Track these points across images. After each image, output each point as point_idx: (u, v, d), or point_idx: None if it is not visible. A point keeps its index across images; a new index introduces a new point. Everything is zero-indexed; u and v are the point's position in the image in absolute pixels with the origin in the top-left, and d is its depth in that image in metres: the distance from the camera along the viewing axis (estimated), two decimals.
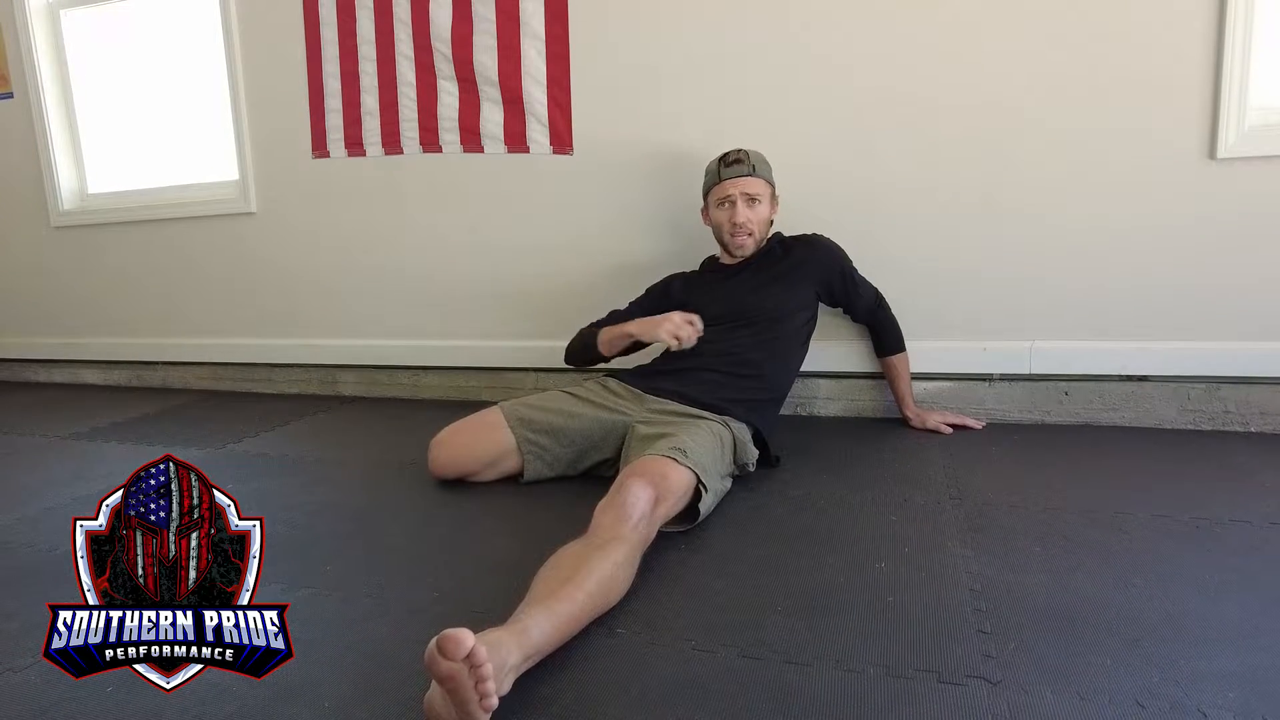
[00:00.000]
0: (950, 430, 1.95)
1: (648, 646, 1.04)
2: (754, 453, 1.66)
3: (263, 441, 2.15)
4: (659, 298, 1.93)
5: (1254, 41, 1.75)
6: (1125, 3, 1.82)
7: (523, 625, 0.92)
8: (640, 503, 1.20)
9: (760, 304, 1.80)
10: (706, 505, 1.40)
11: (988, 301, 2.03)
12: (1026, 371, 2.02)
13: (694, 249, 2.09)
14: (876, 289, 1.96)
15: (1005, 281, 2.01)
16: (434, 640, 0.80)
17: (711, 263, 1.99)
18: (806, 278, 1.85)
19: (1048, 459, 1.76)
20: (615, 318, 1.88)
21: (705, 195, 1.89)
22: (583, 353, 1.87)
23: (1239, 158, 1.79)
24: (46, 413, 2.62)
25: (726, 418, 1.63)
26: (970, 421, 1.98)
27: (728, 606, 1.15)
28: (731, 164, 1.80)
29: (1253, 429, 1.88)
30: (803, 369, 1.91)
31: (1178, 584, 1.17)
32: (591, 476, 1.71)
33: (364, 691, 0.96)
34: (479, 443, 1.67)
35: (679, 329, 1.66)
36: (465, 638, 0.78)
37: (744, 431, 1.65)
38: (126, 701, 0.95)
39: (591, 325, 1.90)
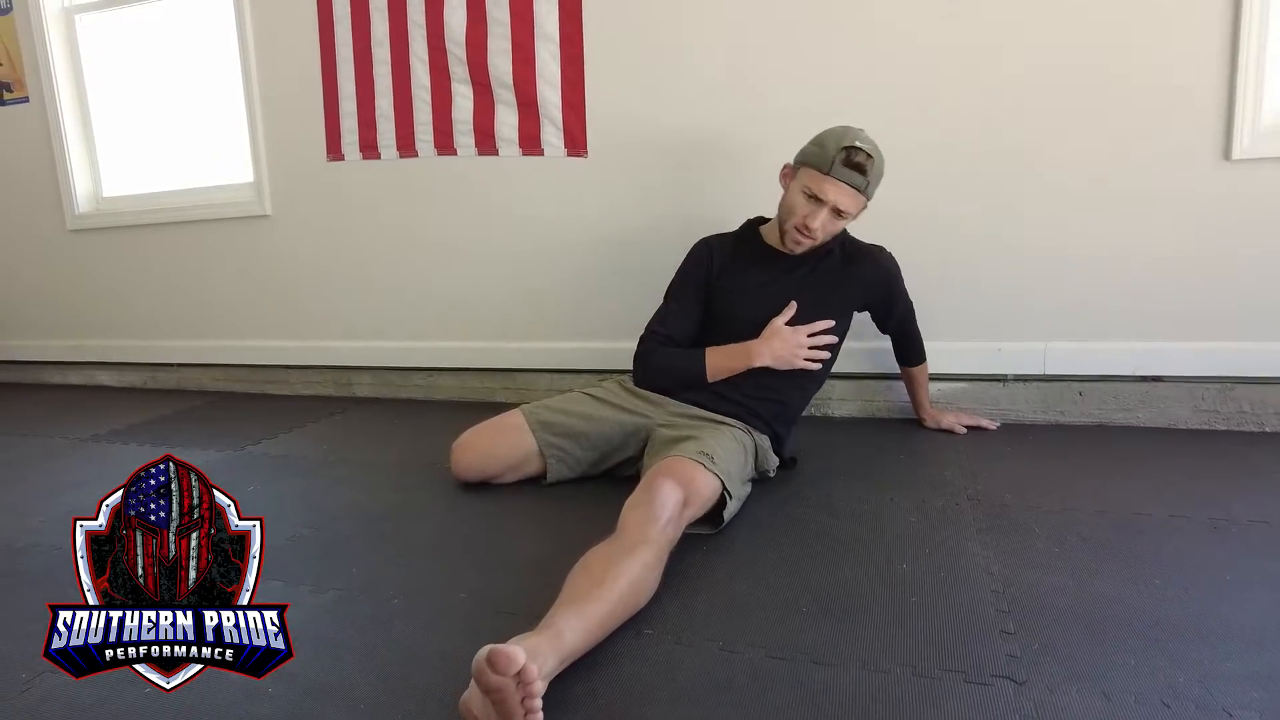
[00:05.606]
0: (965, 430, 1.96)
1: (676, 647, 1.06)
2: (774, 460, 1.66)
3: (282, 443, 2.17)
4: (703, 282, 1.70)
5: (1269, 43, 1.75)
6: (1140, 5, 1.83)
7: (557, 629, 0.94)
8: (670, 505, 1.21)
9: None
10: (730, 511, 1.41)
11: (1003, 302, 2.04)
12: (1041, 372, 2.03)
13: None
14: (911, 303, 1.86)
15: (1020, 282, 2.02)
16: (484, 652, 0.81)
17: (757, 239, 1.73)
18: (859, 298, 1.73)
19: (1063, 459, 1.77)
20: (675, 327, 1.69)
21: (800, 166, 1.58)
22: (679, 384, 1.66)
23: (1254, 159, 1.79)
24: (65, 415, 2.64)
25: (749, 426, 1.62)
26: (985, 422, 1.99)
27: (752, 607, 1.16)
28: (852, 167, 1.50)
29: (1268, 429, 1.89)
30: None
31: (1198, 584, 1.18)
32: (613, 476, 1.72)
33: (397, 691, 0.98)
34: (501, 446, 1.67)
35: (811, 352, 1.61)
36: (518, 655, 0.80)
37: (765, 440, 1.65)
38: (153, 699, 0.96)
39: (657, 343, 1.69)
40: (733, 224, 1.85)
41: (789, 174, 1.63)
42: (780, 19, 2.07)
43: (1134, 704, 0.91)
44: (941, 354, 2.05)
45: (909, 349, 1.94)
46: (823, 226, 1.56)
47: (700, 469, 1.35)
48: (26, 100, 2.93)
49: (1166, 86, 1.84)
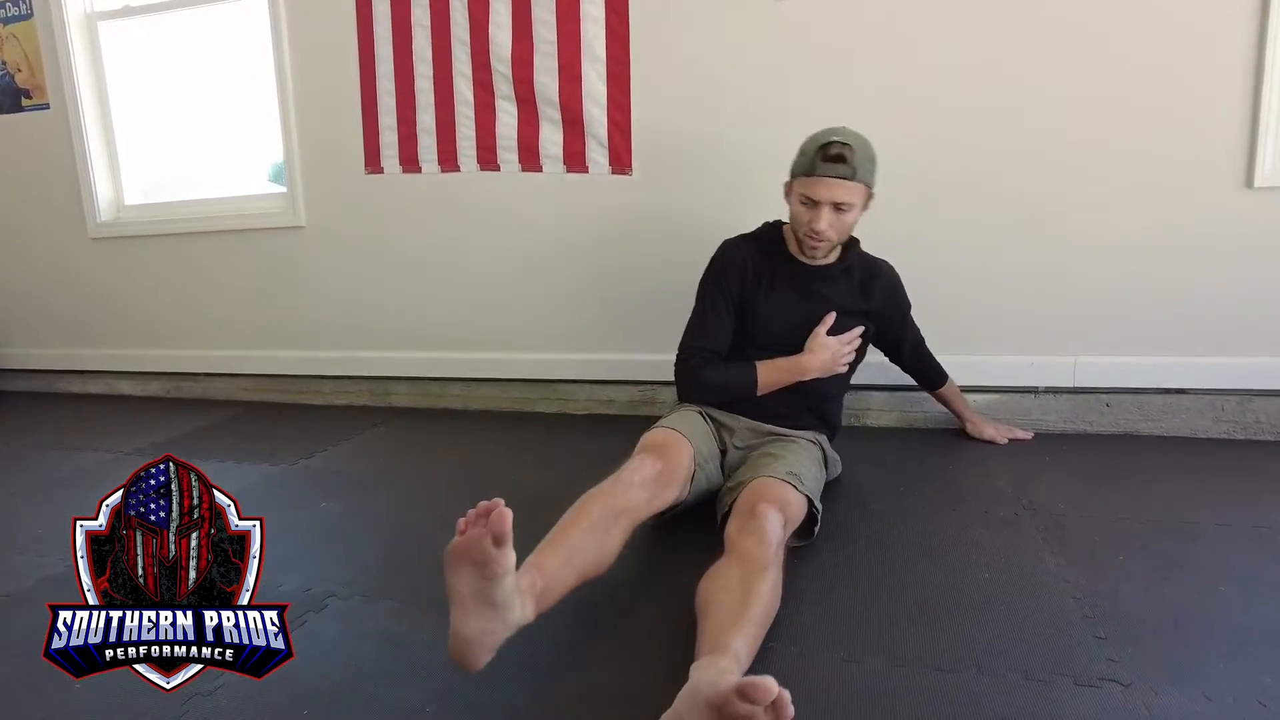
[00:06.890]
0: (1006, 441, 2.06)
1: (800, 658, 1.13)
2: (838, 465, 1.73)
3: (334, 456, 2.19)
4: (737, 290, 1.70)
5: None
6: (1165, 33, 1.93)
7: (735, 653, 0.99)
8: (776, 529, 1.26)
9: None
10: (818, 528, 1.48)
11: (1034, 318, 2.14)
12: (1070, 384, 2.14)
13: None
14: (918, 328, 1.93)
15: (1051, 299, 2.12)
16: (735, 683, 0.85)
17: (782, 247, 1.72)
18: (877, 310, 1.77)
19: (1101, 469, 1.88)
20: (715, 340, 1.67)
21: (793, 177, 1.62)
22: (730, 399, 1.68)
23: (1275, 187, 1.92)
24: (101, 427, 2.63)
25: (811, 431, 1.69)
26: (1020, 434, 2.09)
27: (856, 618, 1.24)
28: (832, 160, 1.51)
29: None
30: (855, 381, 1.87)
31: (1259, 589, 1.28)
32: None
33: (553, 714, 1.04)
34: (680, 471, 1.49)
35: (849, 356, 1.68)
36: (771, 685, 0.83)
37: (824, 438, 1.72)
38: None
39: (703, 359, 1.66)
40: None
41: (789, 189, 1.65)
42: (822, 41, 2.14)
43: (1232, 704, 1.00)
44: (977, 367, 2.16)
45: (930, 374, 2.01)
46: (830, 226, 1.56)
47: (791, 490, 1.41)
48: (47, 107, 2.89)
49: (1191, 115, 1.95)
